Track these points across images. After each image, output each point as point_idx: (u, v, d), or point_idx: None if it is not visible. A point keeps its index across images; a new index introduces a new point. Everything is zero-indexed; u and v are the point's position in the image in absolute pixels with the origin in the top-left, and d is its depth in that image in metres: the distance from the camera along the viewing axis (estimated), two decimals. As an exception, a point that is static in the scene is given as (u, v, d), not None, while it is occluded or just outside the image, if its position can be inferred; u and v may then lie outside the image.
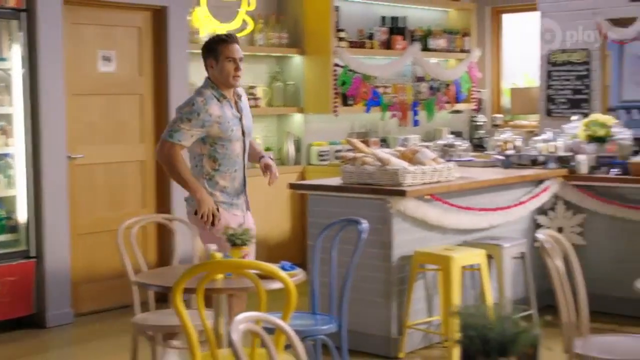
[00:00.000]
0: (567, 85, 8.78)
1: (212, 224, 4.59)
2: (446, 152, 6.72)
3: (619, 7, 8.34)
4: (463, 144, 6.95)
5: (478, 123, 9.50)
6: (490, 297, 5.43)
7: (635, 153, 6.43)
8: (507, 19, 9.95)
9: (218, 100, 4.63)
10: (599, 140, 6.58)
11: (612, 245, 6.35)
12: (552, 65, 8.83)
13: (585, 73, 8.67)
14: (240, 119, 4.71)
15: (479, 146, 8.76)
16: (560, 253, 3.94)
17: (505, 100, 9.93)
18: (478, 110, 9.55)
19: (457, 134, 8.84)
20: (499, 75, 9.95)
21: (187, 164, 4.71)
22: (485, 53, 9.70)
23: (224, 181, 4.69)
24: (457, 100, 9.18)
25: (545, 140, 6.75)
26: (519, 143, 6.80)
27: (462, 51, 9.25)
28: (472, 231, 5.83)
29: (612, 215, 6.30)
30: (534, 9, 8.94)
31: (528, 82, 9.87)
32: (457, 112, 9.39)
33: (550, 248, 3.84)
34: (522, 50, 9.89)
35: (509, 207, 6.08)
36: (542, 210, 6.45)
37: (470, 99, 9.33)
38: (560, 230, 6.40)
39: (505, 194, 6.13)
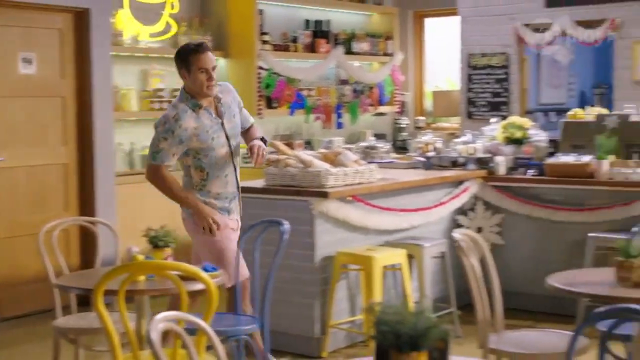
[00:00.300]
0: (487, 89, 8.98)
1: (217, 229, 4.60)
2: (368, 154, 6.83)
3: (535, 12, 8.56)
4: (385, 146, 7.07)
5: (401, 125, 9.66)
6: (411, 296, 5.54)
7: (551, 154, 6.62)
8: (429, 23, 10.14)
9: (193, 110, 4.55)
10: (516, 142, 6.77)
11: (529, 244, 6.53)
12: (473, 68, 9.02)
13: (504, 76, 8.89)
14: (222, 124, 4.63)
15: (402, 148, 8.91)
16: (477, 252, 4.06)
17: (428, 103, 10.12)
18: (401, 112, 9.70)
19: (381, 136, 8.96)
20: (421, 78, 10.13)
21: (176, 180, 4.67)
22: (408, 56, 9.86)
23: (216, 188, 4.64)
24: (381, 103, 9.32)
25: (465, 142, 6.91)
26: (439, 145, 6.95)
27: (385, 54, 9.39)
28: (394, 231, 5.94)
29: (529, 215, 6.48)
30: (455, 14, 9.12)
31: (450, 85, 10.08)
32: (381, 114, 9.53)
33: (466, 247, 3.95)
34: (444, 53, 10.08)
35: (429, 208, 6.21)
36: (462, 211, 6.61)
37: (393, 102, 9.48)
38: (479, 230, 6.56)
39: (426, 195, 6.26)
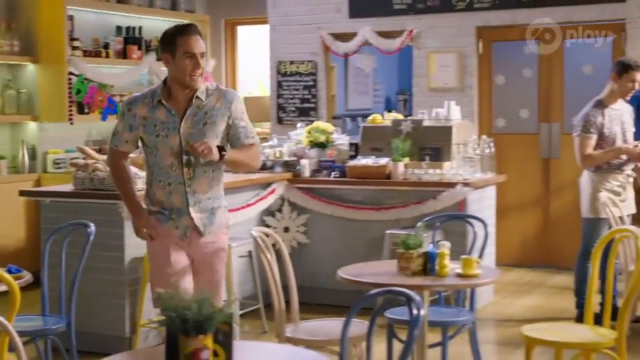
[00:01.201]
0: (296, 95, 9.35)
1: (152, 236, 4.06)
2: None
3: (340, 22, 9.01)
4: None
5: (215, 130, 9.86)
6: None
7: (352, 157, 7.03)
8: (242, 30, 10.43)
9: (152, 100, 3.97)
10: (320, 145, 7.14)
11: (333, 242, 6.91)
12: (282, 75, 9.38)
13: (312, 83, 9.28)
14: (179, 126, 3.94)
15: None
16: (273, 249, 4.35)
17: (241, 109, 10.37)
18: (214, 118, 9.90)
19: (194, 141, 9.13)
20: (234, 85, 10.39)
21: (128, 173, 4.16)
22: (220, 63, 10.10)
23: (159, 194, 4.02)
24: (194, 108, 9.50)
25: (272, 146, 7.23)
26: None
27: (198, 61, 9.56)
28: (203, 232, 6.15)
29: (332, 215, 6.86)
30: (265, 22, 9.44)
31: (261, 92, 10.39)
32: (194, 119, 9.70)
33: (263, 244, 4.23)
34: (256, 60, 10.40)
35: (237, 209, 6.46)
36: (269, 212, 6.90)
37: (206, 107, 9.67)
38: (286, 229, 6.88)
39: (235, 197, 6.50)
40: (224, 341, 2.58)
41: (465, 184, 6.44)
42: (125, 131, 4.02)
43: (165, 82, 3.99)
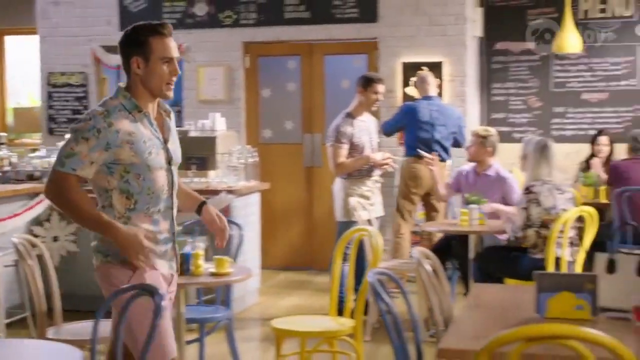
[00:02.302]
0: (67, 106, 9.40)
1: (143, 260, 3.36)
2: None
3: (111, 35, 9.14)
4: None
5: (-18, 141, 9.72)
6: (-16, 304, 5.81)
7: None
8: (10, 40, 10.31)
9: (129, 112, 3.34)
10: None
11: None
12: (53, 86, 9.39)
13: (83, 94, 9.36)
14: (166, 143, 3.45)
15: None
16: (36, 257, 4.51)
17: (9, 119, 10.27)
18: (-19, 129, 9.77)
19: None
20: (3, 95, 10.26)
21: (88, 197, 3.33)
22: (-12, 73, 9.96)
23: (144, 224, 3.40)
24: (-41, 119, 9.34)
25: (40, 157, 7.29)
26: (15, 160, 7.25)
27: (-36, 71, 9.42)
28: (-33, 243, 6.16)
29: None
30: (35, 33, 9.42)
31: (32, 102, 10.32)
32: (-39, 130, 9.53)
33: (24, 250, 4.38)
34: (26, 70, 10.32)
35: (3, 219, 6.49)
36: (38, 221, 6.96)
37: (-28, 118, 9.53)
38: (56, 239, 6.96)
39: (2, 207, 6.54)
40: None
41: (229, 191, 6.80)
42: (96, 151, 3.27)
43: (122, 93, 3.39)
